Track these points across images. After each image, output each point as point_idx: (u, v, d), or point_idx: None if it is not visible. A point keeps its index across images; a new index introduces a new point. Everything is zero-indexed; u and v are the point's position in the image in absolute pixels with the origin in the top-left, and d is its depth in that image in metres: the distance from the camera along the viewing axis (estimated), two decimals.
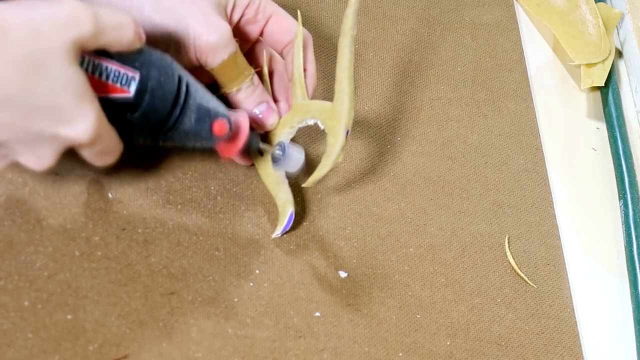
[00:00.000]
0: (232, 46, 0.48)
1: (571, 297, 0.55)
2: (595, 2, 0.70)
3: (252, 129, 0.50)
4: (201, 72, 0.50)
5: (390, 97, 0.62)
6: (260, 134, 0.52)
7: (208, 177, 0.53)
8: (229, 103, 0.50)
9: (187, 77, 0.46)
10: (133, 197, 0.51)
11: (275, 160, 0.51)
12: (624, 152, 0.62)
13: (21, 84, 0.38)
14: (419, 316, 0.51)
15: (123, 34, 0.42)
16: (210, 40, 0.47)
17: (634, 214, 0.58)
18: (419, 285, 0.53)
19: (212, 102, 0.47)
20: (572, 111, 0.66)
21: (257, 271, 0.50)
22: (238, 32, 0.51)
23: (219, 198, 0.52)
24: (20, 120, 0.40)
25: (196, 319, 0.48)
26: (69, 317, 0.46)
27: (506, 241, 0.56)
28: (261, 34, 0.52)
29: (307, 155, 0.52)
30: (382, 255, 0.53)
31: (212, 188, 0.53)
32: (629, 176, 0.60)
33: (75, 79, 0.40)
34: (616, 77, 0.67)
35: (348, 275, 0.52)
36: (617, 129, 0.63)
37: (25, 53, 0.38)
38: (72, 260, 0.48)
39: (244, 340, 0.48)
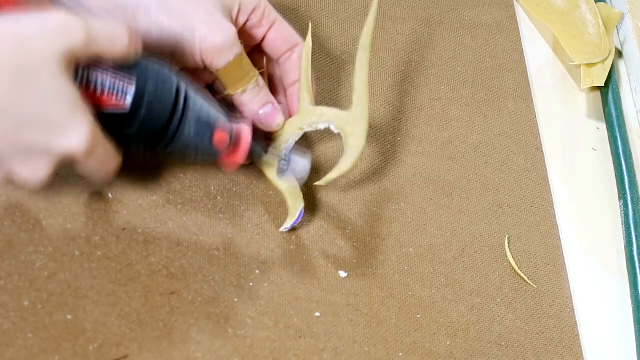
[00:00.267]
0: (237, 47, 0.48)
1: (571, 297, 0.55)
2: (595, 2, 0.70)
3: (255, 134, 0.49)
4: (205, 74, 0.50)
5: (390, 97, 0.62)
6: (266, 134, 0.52)
7: (208, 177, 0.53)
8: (233, 105, 0.50)
9: (186, 87, 0.45)
10: (133, 197, 0.51)
11: (280, 171, 0.51)
12: (624, 152, 0.62)
13: (11, 96, 0.38)
14: (419, 316, 0.51)
15: (116, 43, 0.41)
16: (216, 41, 0.47)
17: (634, 214, 0.58)
18: (419, 285, 0.53)
19: (212, 112, 0.47)
20: (572, 111, 0.66)
21: (257, 271, 0.50)
22: (242, 36, 0.51)
23: (219, 198, 0.53)
24: (12, 132, 0.39)
25: (196, 319, 0.48)
26: (69, 317, 0.46)
27: (506, 241, 0.56)
28: (262, 40, 0.52)
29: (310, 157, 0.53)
30: (382, 255, 0.53)
31: (212, 188, 0.53)
32: (629, 176, 0.60)
33: (66, 90, 0.39)
34: (616, 77, 0.67)
35: (348, 275, 0.52)
36: (617, 129, 0.63)
37: (15, 65, 0.38)
38: (72, 260, 0.48)
39: (244, 340, 0.48)
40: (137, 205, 0.51)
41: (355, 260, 0.53)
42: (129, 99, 0.43)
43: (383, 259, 0.53)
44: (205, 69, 0.49)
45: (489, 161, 0.60)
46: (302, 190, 0.52)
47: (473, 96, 0.64)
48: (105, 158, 0.44)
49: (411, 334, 0.51)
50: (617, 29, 0.72)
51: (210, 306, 0.48)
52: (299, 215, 0.51)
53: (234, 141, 0.47)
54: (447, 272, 0.54)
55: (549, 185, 0.60)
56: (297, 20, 0.62)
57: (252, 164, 0.52)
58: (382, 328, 0.50)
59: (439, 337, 0.51)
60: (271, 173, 0.51)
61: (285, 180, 0.51)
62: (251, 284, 0.50)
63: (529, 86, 0.66)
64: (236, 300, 0.49)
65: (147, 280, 0.48)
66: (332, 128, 0.52)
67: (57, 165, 0.42)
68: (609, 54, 0.67)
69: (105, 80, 0.42)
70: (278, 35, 0.52)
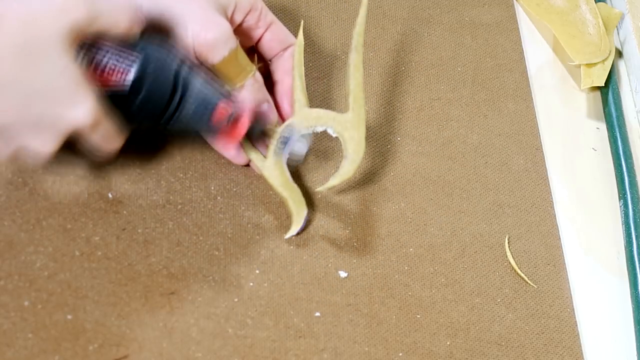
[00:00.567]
0: (232, 42, 0.48)
1: (571, 297, 0.55)
2: (595, 2, 0.70)
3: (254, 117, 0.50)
4: (201, 70, 0.50)
5: (390, 97, 0.62)
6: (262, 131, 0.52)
7: (208, 177, 0.53)
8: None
9: (188, 65, 0.46)
10: (133, 197, 0.51)
11: (278, 149, 0.51)
12: (624, 152, 0.62)
13: (18, 70, 0.40)
14: (419, 316, 0.51)
15: (119, 18, 0.43)
16: (208, 37, 0.47)
17: (634, 214, 0.58)
18: (419, 285, 0.53)
19: (213, 89, 0.47)
20: (572, 111, 0.66)
21: (257, 271, 0.50)
22: (238, 36, 0.51)
23: (219, 198, 0.53)
24: (21, 104, 0.41)
25: (196, 319, 0.48)
26: (69, 317, 0.46)
27: (506, 241, 0.56)
28: (258, 41, 0.52)
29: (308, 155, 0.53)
30: (382, 255, 0.53)
31: (212, 188, 0.53)
32: (629, 176, 0.60)
33: (70, 66, 0.41)
34: (616, 77, 0.67)
35: (348, 275, 0.52)
36: (617, 129, 0.63)
37: (21, 41, 0.39)
38: (72, 260, 0.48)
39: (244, 340, 0.48)
40: (137, 205, 0.51)
41: (355, 260, 0.53)
42: (131, 76, 0.44)
43: (383, 259, 0.53)
44: (200, 65, 0.49)
45: (489, 161, 0.60)
46: (301, 189, 0.52)
47: (473, 96, 0.64)
48: (109, 134, 0.45)
49: (411, 334, 0.51)
50: (617, 29, 0.72)
51: (210, 306, 0.48)
52: (304, 222, 0.52)
53: (234, 117, 0.48)
54: (447, 272, 0.54)
55: (549, 185, 0.60)
56: (297, 20, 0.62)
57: (251, 140, 0.51)
58: (382, 328, 0.50)
59: (439, 337, 0.51)
60: (273, 179, 0.51)
61: (286, 180, 0.51)
62: (251, 284, 0.50)
63: (529, 86, 0.66)
64: (236, 300, 0.49)
65: (147, 280, 0.48)
66: (330, 132, 0.52)
67: (64, 139, 0.43)
68: (609, 54, 0.67)
69: (107, 58, 0.43)
70: (274, 36, 0.52)
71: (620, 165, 0.61)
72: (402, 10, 0.67)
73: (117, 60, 0.44)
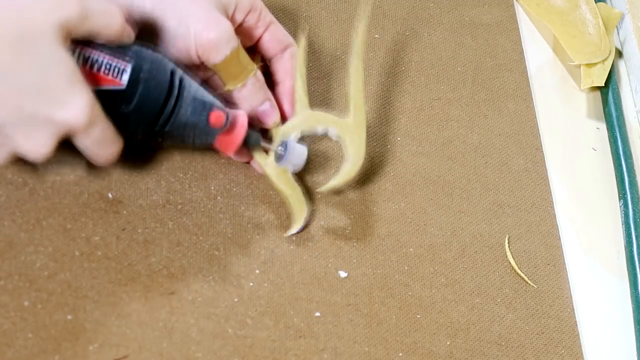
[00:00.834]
0: (233, 42, 0.48)
1: (571, 297, 0.55)
2: (595, 2, 0.70)
3: (251, 126, 0.50)
4: (199, 71, 0.50)
5: (390, 97, 0.62)
6: (262, 131, 0.52)
7: (208, 177, 0.53)
8: (229, 102, 0.51)
9: (181, 71, 0.46)
10: (133, 197, 0.51)
11: (278, 157, 0.51)
12: (624, 152, 0.62)
13: (12, 64, 0.39)
14: (419, 316, 0.51)
15: (110, 21, 0.43)
16: (211, 37, 0.47)
17: (634, 214, 0.58)
18: (419, 285, 0.53)
19: (207, 95, 0.47)
20: (572, 111, 0.66)
21: (257, 271, 0.50)
22: (238, 36, 0.51)
23: (219, 198, 0.53)
24: (14, 99, 0.40)
25: (196, 319, 0.48)
26: (69, 317, 0.46)
27: (506, 241, 0.56)
28: (257, 41, 0.52)
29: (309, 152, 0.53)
30: (382, 255, 0.53)
31: (212, 188, 0.53)
32: (629, 176, 0.60)
33: (64, 61, 0.41)
34: (616, 77, 0.67)
35: (348, 275, 0.52)
36: (617, 129, 0.63)
37: (13, 33, 0.39)
38: (72, 260, 0.48)
39: (244, 340, 0.48)
40: (137, 205, 0.51)
41: (355, 260, 0.53)
42: (126, 76, 0.44)
43: (383, 259, 0.53)
44: (200, 65, 0.49)
45: (489, 161, 0.60)
46: (302, 189, 0.52)
47: (473, 96, 0.64)
48: (106, 137, 0.44)
49: (411, 334, 0.51)
50: (617, 29, 0.72)
51: (210, 306, 0.48)
52: (304, 220, 0.52)
53: (231, 123, 0.48)
54: (447, 272, 0.54)
55: (549, 185, 0.60)
56: (297, 20, 0.63)
57: (248, 149, 0.51)
58: (382, 328, 0.50)
59: (439, 337, 0.51)
60: (275, 177, 0.51)
61: (287, 179, 0.51)
62: (251, 284, 0.50)
63: (529, 86, 0.66)
64: (236, 300, 0.49)
65: (147, 280, 0.48)
66: (331, 134, 0.52)
67: (59, 138, 0.42)
68: (609, 54, 0.67)
69: (101, 59, 0.43)
70: (273, 36, 0.52)
71: (620, 165, 0.61)
72: (402, 10, 0.67)
73: (112, 60, 0.43)
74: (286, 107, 0.53)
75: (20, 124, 0.41)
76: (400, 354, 0.50)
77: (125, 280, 0.48)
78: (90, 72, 0.43)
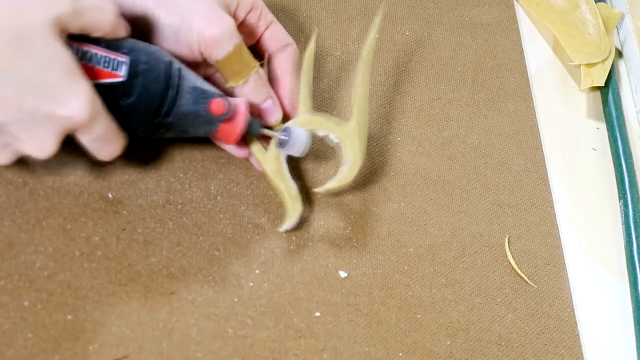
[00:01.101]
0: (236, 38, 0.48)
1: (571, 297, 0.55)
2: (595, 2, 0.70)
3: (251, 115, 0.50)
4: (200, 68, 0.50)
5: (390, 97, 0.62)
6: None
7: (208, 177, 0.53)
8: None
9: (179, 63, 0.47)
10: (133, 197, 0.51)
11: (281, 143, 0.51)
12: (624, 152, 0.62)
13: (10, 61, 0.39)
14: (419, 316, 0.51)
15: (103, 16, 0.43)
16: (214, 33, 0.47)
17: (634, 214, 0.58)
18: (419, 285, 0.53)
19: (207, 84, 0.48)
20: (572, 111, 0.66)
21: (257, 271, 0.50)
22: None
23: (219, 198, 0.53)
24: (14, 97, 0.40)
25: (196, 319, 0.48)
26: (69, 317, 0.46)
27: (506, 241, 0.56)
28: (258, 40, 0.52)
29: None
30: (382, 255, 0.53)
31: (212, 188, 0.53)
32: (629, 176, 0.60)
33: (62, 56, 0.41)
34: (616, 77, 0.67)
35: (348, 275, 0.52)
36: (617, 129, 0.63)
37: (11, 31, 0.39)
38: (72, 260, 0.48)
39: (244, 340, 0.48)
40: (137, 205, 0.51)
41: (355, 260, 0.53)
42: (125, 68, 0.44)
43: (383, 259, 0.53)
44: (202, 62, 0.49)
45: (489, 161, 0.60)
46: (301, 188, 0.52)
47: (473, 96, 0.64)
48: (108, 132, 0.44)
49: (411, 334, 0.51)
50: (617, 29, 0.72)
51: (210, 306, 0.48)
52: (297, 217, 0.51)
53: (232, 111, 0.48)
54: (447, 272, 0.54)
55: (549, 185, 0.60)
56: (297, 20, 0.63)
57: (250, 135, 0.51)
58: (382, 328, 0.50)
59: (439, 337, 0.51)
60: (272, 172, 0.51)
61: (283, 176, 0.51)
62: (251, 284, 0.50)
63: (529, 86, 0.66)
64: (236, 300, 0.49)
65: (147, 280, 0.48)
66: (331, 137, 0.53)
67: (62, 136, 0.42)
68: (609, 54, 0.67)
69: (100, 54, 0.43)
70: (273, 35, 0.53)
71: (620, 165, 0.61)
72: (402, 10, 0.67)
73: (109, 54, 0.44)
74: (286, 106, 0.53)
75: (22, 122, 0.41)
76: (400, 354, 0.50)
77: (125, 280, 0.48)
78: (88, 67, 0.43)
